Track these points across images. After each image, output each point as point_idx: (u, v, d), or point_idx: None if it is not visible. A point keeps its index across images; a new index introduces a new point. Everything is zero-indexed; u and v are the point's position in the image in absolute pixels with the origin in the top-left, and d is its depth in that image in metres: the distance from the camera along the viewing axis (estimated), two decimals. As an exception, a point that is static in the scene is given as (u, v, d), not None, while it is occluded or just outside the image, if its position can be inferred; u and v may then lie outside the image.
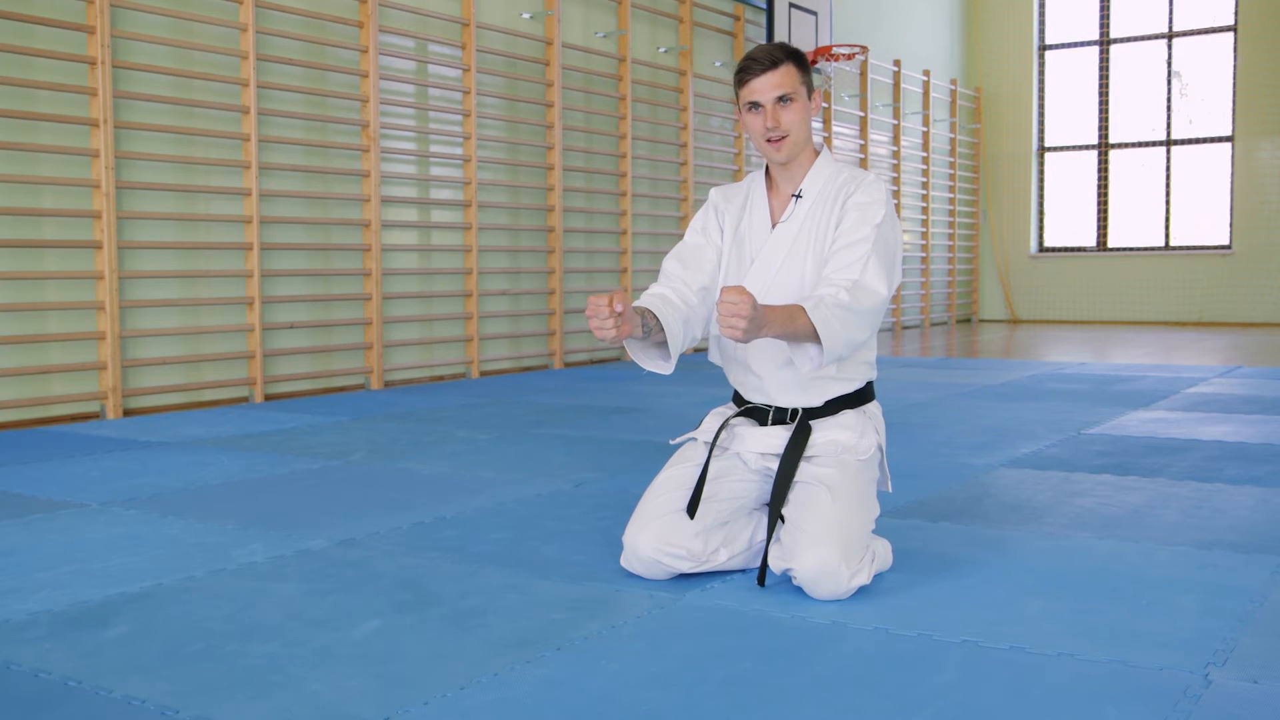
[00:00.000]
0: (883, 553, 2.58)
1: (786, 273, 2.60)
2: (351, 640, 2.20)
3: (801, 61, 2.59)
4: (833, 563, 2.36)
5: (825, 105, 10.82)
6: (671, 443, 2.81)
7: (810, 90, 2.61)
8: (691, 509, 2.53)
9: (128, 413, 5.53)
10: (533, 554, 2.82)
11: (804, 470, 2.54)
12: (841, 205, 2.58)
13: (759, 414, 2.66)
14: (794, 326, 2.37)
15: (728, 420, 2.67)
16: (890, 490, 2.82)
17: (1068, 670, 2.00)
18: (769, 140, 2.58)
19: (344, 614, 2.36)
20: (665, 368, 2.57)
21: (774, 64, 2.55)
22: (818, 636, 2.19)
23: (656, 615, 2.32)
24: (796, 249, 2.61)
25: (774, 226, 2.65)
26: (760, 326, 2.29)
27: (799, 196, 2.63)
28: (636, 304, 2.54)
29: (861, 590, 2.45)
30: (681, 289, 2.62)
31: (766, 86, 2.55)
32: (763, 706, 1.85)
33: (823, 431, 2.59)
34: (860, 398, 2.67)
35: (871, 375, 2.71)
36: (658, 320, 2.51)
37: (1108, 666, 2.01)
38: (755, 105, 2.57)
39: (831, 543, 2.37)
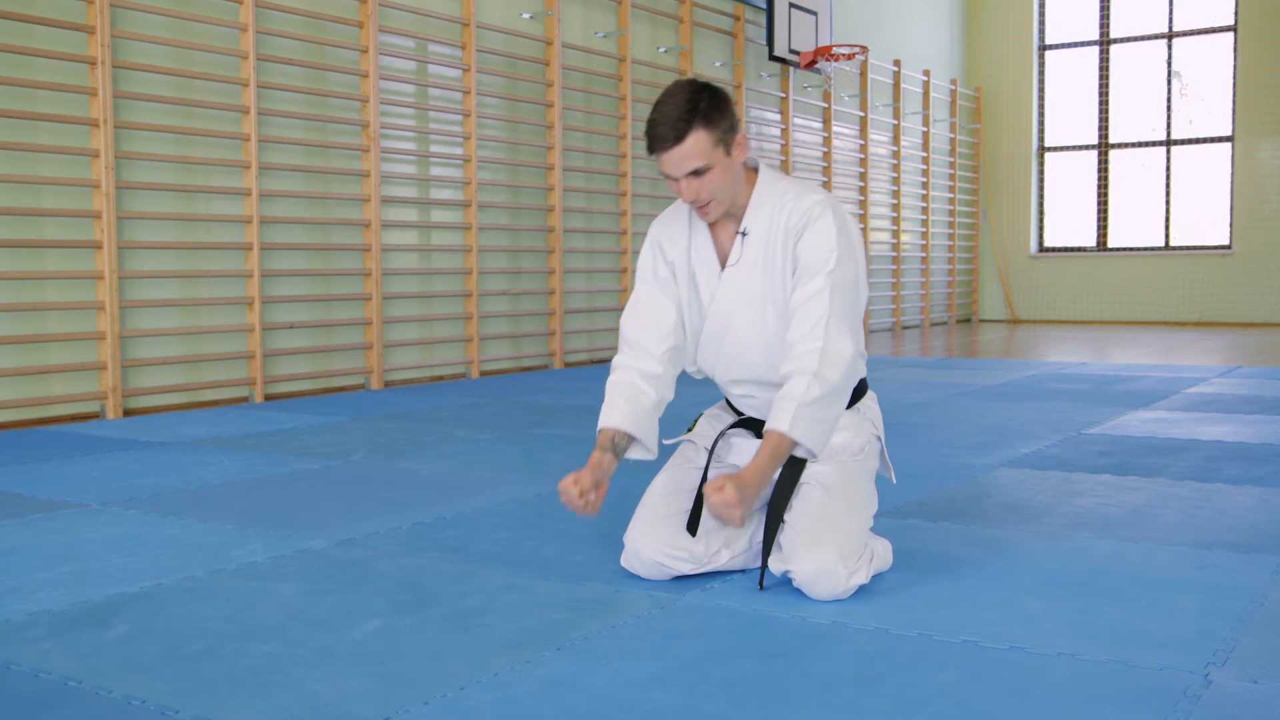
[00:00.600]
0: (882, 552, 2.58)
1: (742, 320, 2.52)
2: (351, 640, 2.20)
3: (713, 115, 2.35)
4: (830, 564, 2.36)
5: (825, 105, 10.83)
6: (666, 443, 2.81)
7: (731, 139, 2.39)
8: (693, 526, 2.52)
9: (128, 413, 5.53)
10: (533, 554, 2.82)
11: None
12: (794, 248, 2.44)
13: (755, 424, 2.65)
14: (782, 458, 2.37)
15: (724, 432, 2.66)
16: (894, 481, 2.81)
17: (1068, 670, 2.00)
18: (693, 205, 2.45)
19: (344, 614, 2.36)
20: (648, 455, 2.55)
21: (678, 139, 2.33)
22: (818, 636, 2.19)
23: (656, 615, 2.32)
24: (752, 298, 2.50)
25: (723, 267, 2.52)
26: (755, 493, 2.31)
27: (744, 234, 2.49)
28: (604, 424, 2.49)
29: (861, 590, 2.45)
30: (646, 364, 2.54)
31: (675, 161, 2.36)
32: (763, 706, 1.85)
33: None
34: (854, 397, 2.63)
35: (861, 374, 2.65)
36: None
37: (1108, 666, 2.01)
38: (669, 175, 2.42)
39: (828, 544, 2.37)
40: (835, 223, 2.43)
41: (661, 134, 2.34)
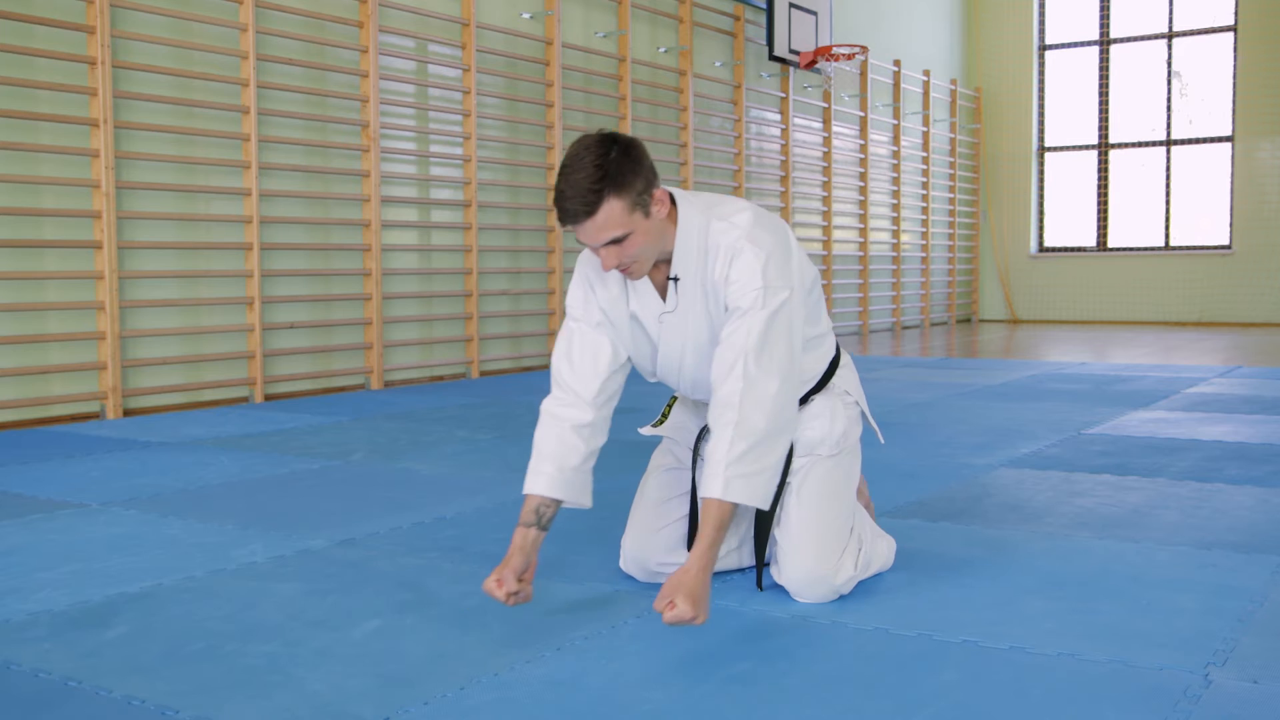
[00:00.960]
0: (884, 550, 2.58)
1: (693, 357, 2.37)
2: (351, 640, 2.20)
3: (626, 178, 2.13)
4: (812, 570, 2.36)
5: (825, 105, 10.82)
6: (641, 431, 2.70)
7: (649, 198, 2.18)
8: (691, 543, 2.49)
9: (128, 413, 5.53)
10: (533, 554, 2.82)
11: None
12: (724, 292, 2.27)
13: None
14: (726, 524, 2.15)
15: (704, 430, 2.54)
16: (881, 440, 2.76)
17: (1068, 670, 2.00)
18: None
19: (344, 614, 2.36)
20: (582, 507, 2.41)
21: (590, 212, 2.12)
22: (818, 636, 2.19)
23: (656, 615, 2.31)
24: (699, 338, 2.34)
25: (661, 312, 2.34)
26: (707, 580, 2.09)
27: (676, 279, 2.30)
28: (529, 489, 2.31)
29: (861, 590, 2.45)
30: (577, 414, 2.35)
31: (591, 233, 2.16)
32: (763, 706, 1.85)
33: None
34: (825, 375, 2.52)
35: (830, 354, 2.53)
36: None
37: (1108, 666, 2.01)
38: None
39: (807, 552, 2.37)
40: (759, 255, 2.23)
41: (571, 209, 2.14)
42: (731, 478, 2.15)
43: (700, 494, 2.18)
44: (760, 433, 2.18)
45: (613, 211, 2.13)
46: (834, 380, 2.55)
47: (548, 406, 2.40)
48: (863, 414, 2.63)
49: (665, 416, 2.69)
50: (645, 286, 2.35)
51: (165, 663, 2.08)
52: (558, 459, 2.33)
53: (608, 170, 2.12)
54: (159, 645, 2.18)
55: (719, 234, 2.27)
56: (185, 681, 1.98)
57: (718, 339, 2.32)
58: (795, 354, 2.27)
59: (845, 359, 2.61)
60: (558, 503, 2.33)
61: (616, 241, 2.17)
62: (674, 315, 2.33)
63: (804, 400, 2.50)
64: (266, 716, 1.83)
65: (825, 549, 2.38)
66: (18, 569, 2.73)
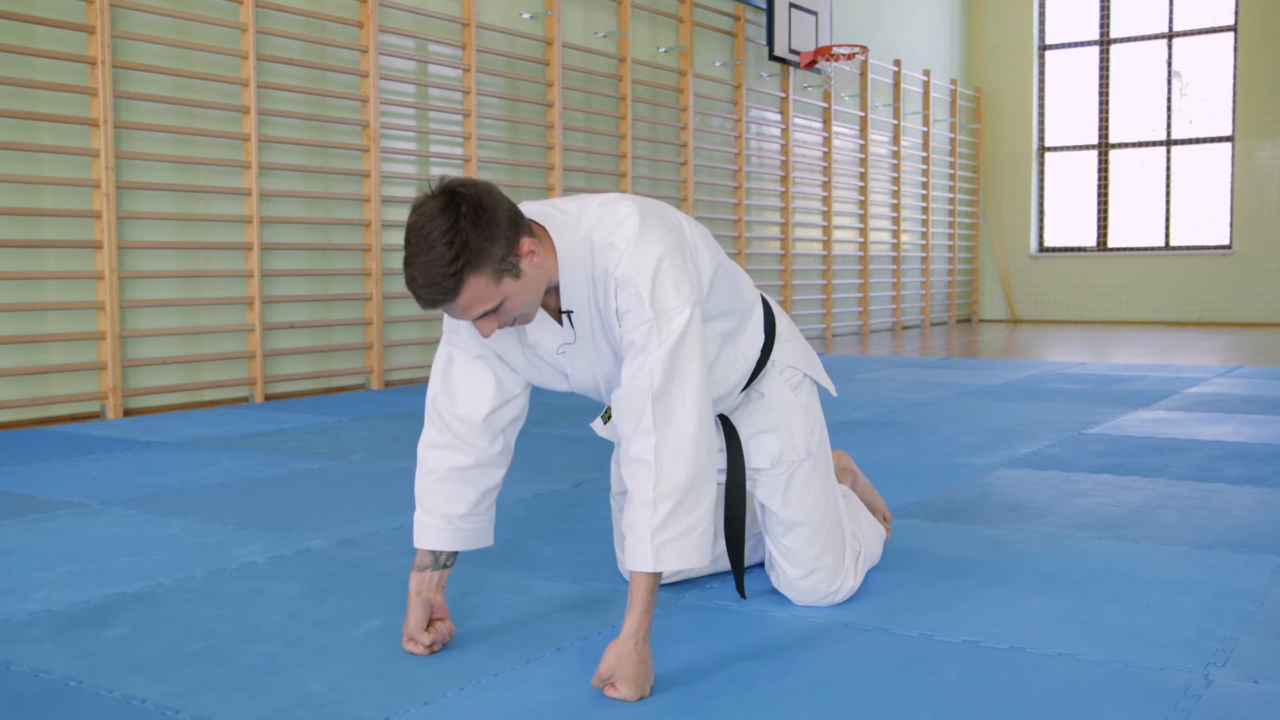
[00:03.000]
0: (877, 540, 2.56)
1: (606, 383, 2.17)
2: (351, 640, 2.20)
3: (482, 248, 1.86)
4: (821, 594, 2.36)
5: (825, 105, 10.82)
6: (595, 429, 2.40)
7: (515, 259, 1.92)
8: None
9: (128, 413, 5.53)
10: (533, 554, 2.82)
11: (752, 489, 2.39)
12: (615, 319, 2.02)
13: None
14: (655, 590, 1.94)
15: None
16: (834, 394, 2.56)
17: (1068, 670, 2.00)
18: None
19: (344, 614, 2.36)
20: (484, 545, 2.26)
21: (449, 297, 1.89)
22: (818, 636, 2.19)
23: (657, 615, 2.31)
24: (607, 367, 2.13)
25: (560, 343, 2.13)
26: (645, 653, 1.90)
27: (569, 313, 2.08)
28: (418, 544, 2.17)
29: (861, 590, 2.45)
30: (458, 457, 2.19)
31: (458, 312, 1.94)
32: (763, 706, 1.85)
33: (747, 430, 2.34)
34: (762, 354, 2.32)
35: (761, 326, 2.32)
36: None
37: (1108, 666, 2.01)
38: None
39: (814, 578, 2.35)
40: (645, 278, 1.97)
41: (429, 297, 1.89)
42: (660, 545, 1.92)
43: (628, 568, 1.95)
44: (684, 486, 1.94)
45: (476, 289, 1.89)
46: (774, 355, 2.34)
47: (421, 449, 2.23)
48: (815, 378, 2.45)
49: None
50: (539, 315, 2.12)
51: (165, 663, 2.08)
52: (441, 509, 2.18)
53: (460, 246, 1.85)
54: (159, 645, 2.18)
55: (603, 257, 2.00)
56: (185, 681, 1.98)
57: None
58: (706, 378, 2.02)
59: (781, 324, 2.39)
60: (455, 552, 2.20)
61: (490, 312, 1.95)
62: (575, 345, 2.12)
63: (749, 383, 2.34)
64: (266, 716, 1.83)
65: (830, 572, 2.36)
66: (18, 569, 2.73)
